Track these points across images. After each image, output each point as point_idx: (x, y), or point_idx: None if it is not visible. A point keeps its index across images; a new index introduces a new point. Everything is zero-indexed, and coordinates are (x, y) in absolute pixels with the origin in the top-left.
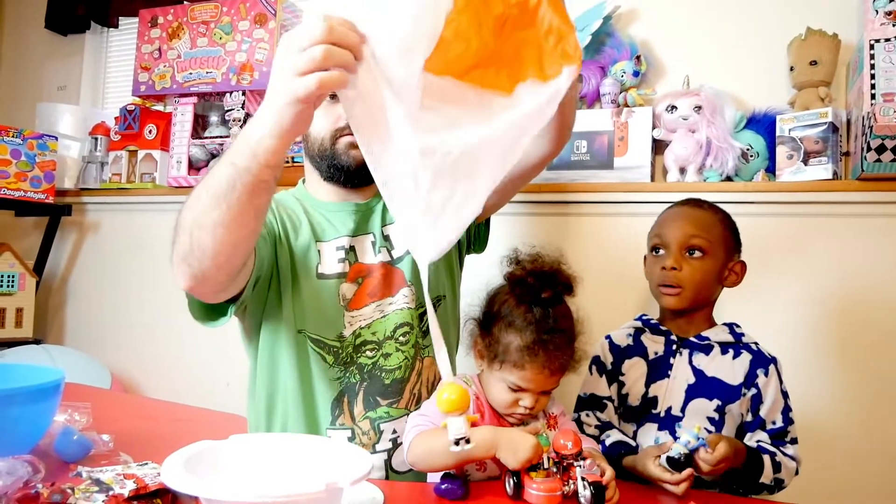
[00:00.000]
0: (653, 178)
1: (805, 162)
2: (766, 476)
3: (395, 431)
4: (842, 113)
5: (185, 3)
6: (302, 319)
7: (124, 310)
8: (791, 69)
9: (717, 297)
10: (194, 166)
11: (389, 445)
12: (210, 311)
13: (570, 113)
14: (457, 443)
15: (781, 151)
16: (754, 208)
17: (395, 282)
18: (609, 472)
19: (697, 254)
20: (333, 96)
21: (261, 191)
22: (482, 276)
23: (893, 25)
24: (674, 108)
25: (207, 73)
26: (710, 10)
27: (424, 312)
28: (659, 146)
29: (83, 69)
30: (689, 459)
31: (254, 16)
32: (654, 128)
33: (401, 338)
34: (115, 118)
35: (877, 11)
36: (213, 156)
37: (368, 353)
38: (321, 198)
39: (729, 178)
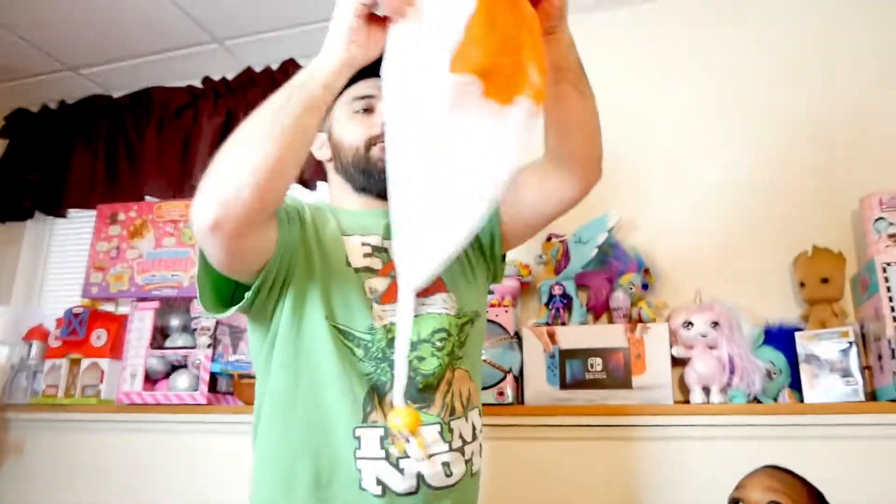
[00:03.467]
0: (675, 400)
1: (832, 381)
2: None
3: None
4: (858, 328)
5: (146, 199)
6: (328, 307)
7: None
8: (801, 285)
9: None
10: (150, 378)
11: (419, 460)
12: (221, 299)
13: (585, 137)
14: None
15: (806, 370)
16: (787, 431)
17: (432, 284)
18: None
19: None
20: (367, 110)
21: (313, 109)
22: None
23: None
24: (690, 324)
25: (173, 275)
26: (711, 222)
27: (465, 323)
28: (676, 362)
29: (20, 261)
30: None
31: None
32: (671, 345)
33: (437, 342)
34: (57, 320)
35: (878, 233)
36: (174, 367)
37: (391, 358)
38: (351, 207)
39: (756, 399)
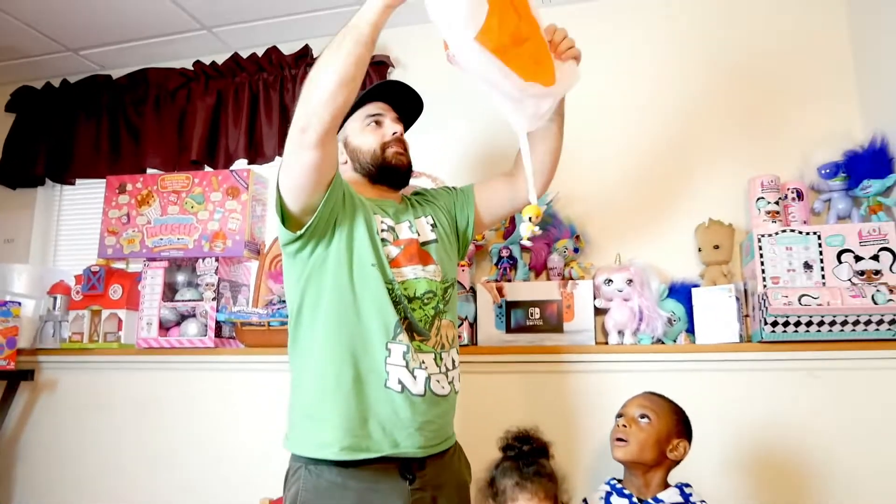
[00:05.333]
0: (596, 341)
1: (718, 327)
2: None
3: (423, 362)
4: (741, 285)
5: (148, 172)
6: (376, 255)
7: (82, 474)
8: (699, 250)
9: (666, 466)
10: (164, 327)
11: (426, 372)
12: (289, 222)
13: (552, 164)
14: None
15: (699, 318)
16: (680, 365)
17: (427, 258)
18: None
19: (646, 420)
20: (377, 122)
21: (362, 44)
22: None
23: (773, 222)
24: (610, 281)
25: (179, 239)
26: (631, 197)
27: (448, 287)
28: (598, 311)
29: (34, 225)
30: None
31: (226, 188)
32: (595, 298)
33: (425, 300)
34: (76, 277)
35: (759, 210)
36: (184, 316)
37: (404, 301)
38: (369, 196)
39: (659, 340)
